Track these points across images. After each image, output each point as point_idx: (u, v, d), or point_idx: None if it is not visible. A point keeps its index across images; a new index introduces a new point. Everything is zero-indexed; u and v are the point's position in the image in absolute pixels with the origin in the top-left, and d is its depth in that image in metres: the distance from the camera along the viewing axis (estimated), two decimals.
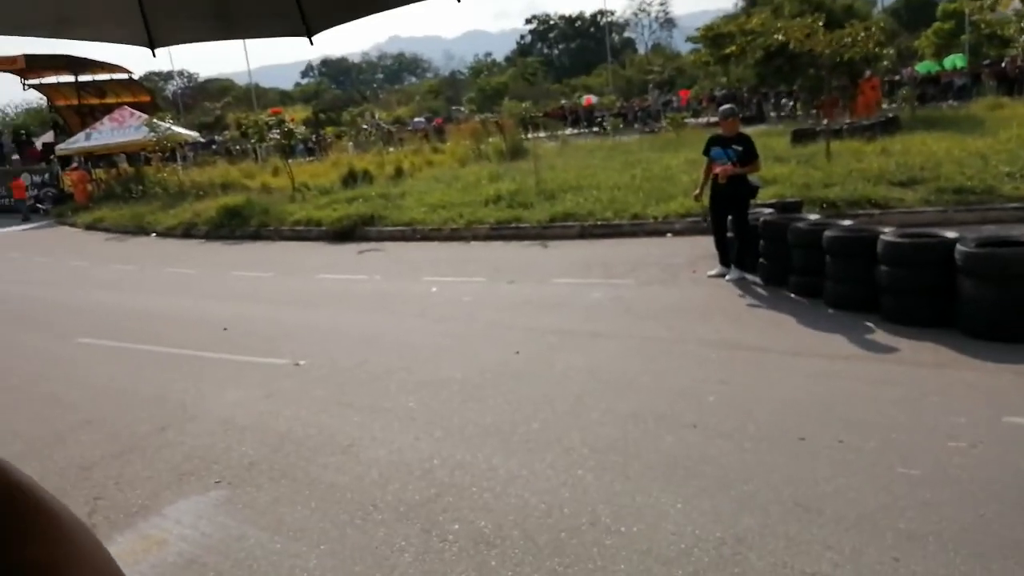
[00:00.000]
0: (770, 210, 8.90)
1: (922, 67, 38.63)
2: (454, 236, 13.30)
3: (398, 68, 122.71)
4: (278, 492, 4.43)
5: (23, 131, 36.91)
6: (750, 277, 8.31)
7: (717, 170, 8.32)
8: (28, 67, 29.09)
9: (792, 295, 7.58)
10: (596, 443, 4.63)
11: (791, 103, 31.20)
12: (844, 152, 14.49)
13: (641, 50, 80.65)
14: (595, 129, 35.06)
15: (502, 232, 12.96)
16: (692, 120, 31.22)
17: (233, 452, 5.06)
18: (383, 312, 8.61)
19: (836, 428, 4.52)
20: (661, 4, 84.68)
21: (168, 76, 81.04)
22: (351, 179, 19.93)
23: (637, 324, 7.15)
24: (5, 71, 30.05)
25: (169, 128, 27.00)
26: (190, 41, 2.05)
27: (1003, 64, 31.22)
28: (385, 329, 7.82)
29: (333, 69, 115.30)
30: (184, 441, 5.31)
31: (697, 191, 8.84)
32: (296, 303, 9.55)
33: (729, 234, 8.48)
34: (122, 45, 1.97)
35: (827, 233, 7.00)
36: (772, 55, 20.46)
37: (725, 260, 8.54)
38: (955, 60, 37.14)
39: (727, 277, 8.38)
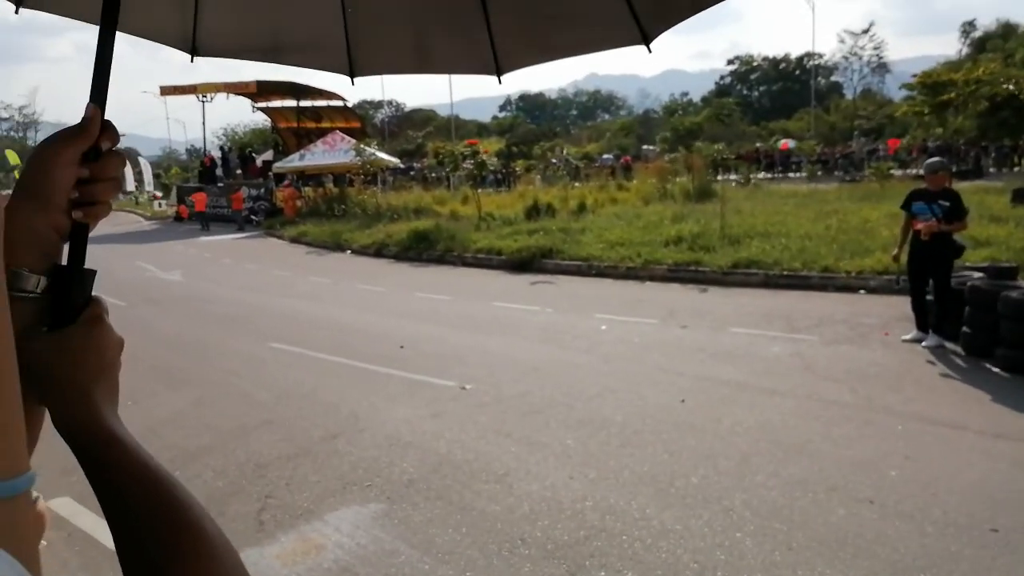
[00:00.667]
0: (980, 274, 8.07)
1: None
2: (630, 275, 13.18)
3: (593, 105, 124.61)
4: (432, 512, 4.53)
5: (248, 148, 40.95)
6: (949, 345, 7.57)
7: (920, 226, 7.76)
8: (259, 91, 32.39)
9: (997, 370, 6.80)
10: (759, 507, 4.35)
11: (1015, 157, 28.39)
12: None
13: (849, 95, 76.62)
14: (790, 175, 33.65)
15: (680, 274, 12.68)
16: (899, 171, 29.18)
17: (395, 468, 5.24)
18: (551, 345, 8.66)
19: None
20: (875, 48, 79.96)
21: (378, 105, 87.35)
22: (534, 211, 20.35)
23: (818, 384, 6.70)
24: (239, 94, 33.65)
25: (373, 153, 28.94)
26: (387, 73, 2.16)
27: None
28: (551, 362, 7.85)
29: (530, 104, 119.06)
30: (352, 451, 5.57)
31: (896, 250, 8.22)
32: (470, 327, 9.83)
33: (928, 297, 7.83)
34: (331, 73, 2.11)
35: None
36: (998, 106, 18.73)
37: (922, 324, 7.89)
38: None
39: (923, 343, 7.68)
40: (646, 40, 1.65)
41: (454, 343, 8.93)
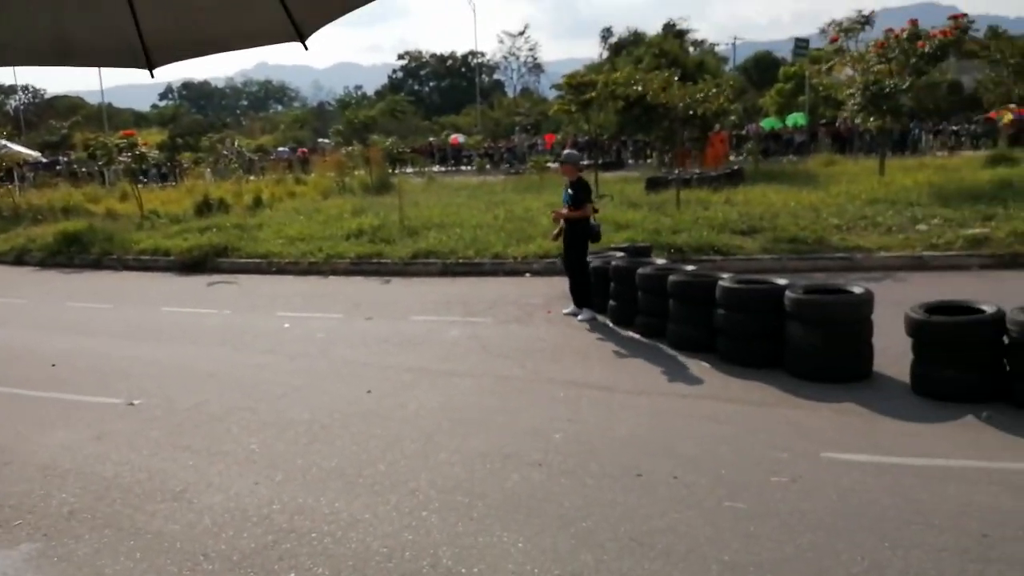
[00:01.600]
0: (621, 254, 9.26)
1: (766, 123, 41.78)
2: (312, 270, 13.01)
3: (264, 95, 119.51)
4: (100, 543, 4.11)
5: None
6: (600, 317, 8.59)
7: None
8: None
9: (638, 336, 7.89)
10: (443, 484, 4.60)
11: (648, 151, 32.90)
12: (693, 201, 15.34)
13: (510, 93, 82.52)
14: (462, 168, 35.50)
15: (363, 267, 12.80)
16: (555, 164, 32.21)
17: (52, 499, 4.66)
18: (230, 348, 8.26)
19: (672, 464, 4.71)
20: (530, 50, 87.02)
21: (10, 90, 75.38)
22: (206, 208, 19.14)
23: (493, 362, 7.21)
24: None
25: (5, 146, 25.06)
26: (21, 64, 1.97)
27: (837, 124, 34.23)
28: (231, 366, 7.50)
29: (194, 93, 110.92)
30: None
31: (556, 231, 9.09)
32: (135, 337, 8.99)
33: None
34: None
35: (671, 278, 7.36)
36: (631, 105, 21.50)
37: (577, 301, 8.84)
38: (796, 118, 40.39)
39: (579, 317, 8.63)
40: (302, 37, 1.68)
41: (117, 356, 8.12)
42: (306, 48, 1.75)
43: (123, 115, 73.74)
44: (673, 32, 61.12)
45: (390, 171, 27.89)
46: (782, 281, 6.87)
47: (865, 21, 21.28)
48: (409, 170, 34.55)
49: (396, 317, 9.34)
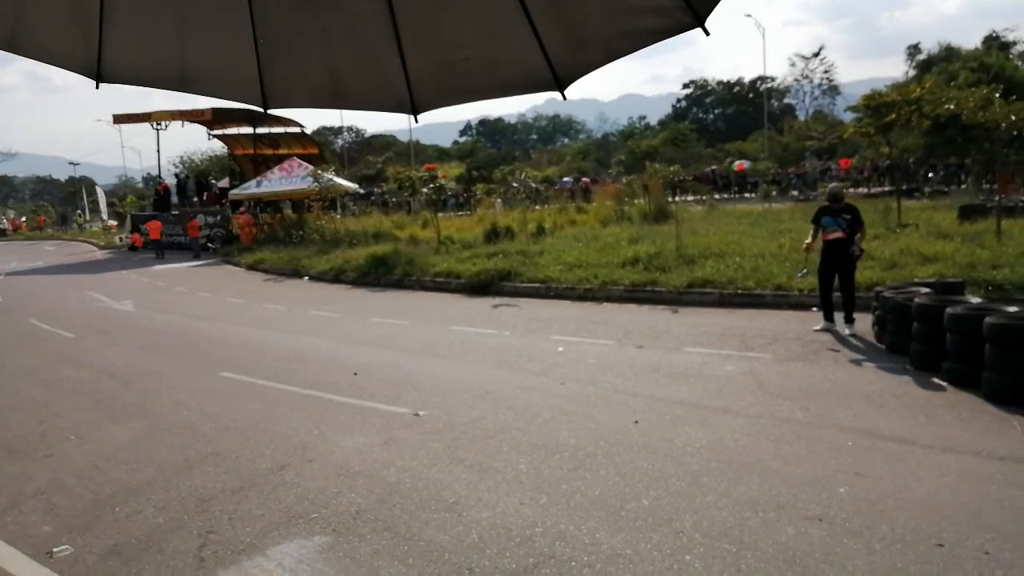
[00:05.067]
0: (927, 290, 8.22)
1: None
2: (587, 296, 13.20)
3: (552, 129, 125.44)
4: (379, 544, 4.41)
5: (205, 176, 40.50)
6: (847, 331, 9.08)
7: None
8: (214, 119, 32.06)
9: (944, 384, 6.90)
10: (709, 528, 4.32)
11: (962, 175, 29.24)
12: (1017, 231, 13.29)
13: (801, 117, 78.25)
14: (745, 195, 34.22)
15: (636, 295, 12.73)
16: (851, 190, 29.85)
17: (343, 498, 5.11)
18: (507, 368, 8.59)
19: (981, 537, 4.00)
20: (825, 72, 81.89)
21: (338, 131, 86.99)
22: (493, 235, 20.34)
23: (770, 403, 6.72)
24: (195, 122, 33.30)
25: (331, 179, 28.75)
26: (301, 106, 2.15)
27: None
28: (506, 386, 7.78)
29: (490, 128, 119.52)
30: (299, 482, 5.43)
31: (808, 242, 9.86)
32: (426, 353, 9.72)
33: (836, 293, 9.46)
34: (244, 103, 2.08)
35: (988, 320, 6.35)
36: (941, 125, 19.23)
37: (829, 316, 9.46)
38: None
39: (837, 330, 9.26)
40: (560, 87, 1.65)
41: (409, 369, 8.82)
42: (564, 98, 1.71)
43: (428, 151, 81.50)
44: (996, 44, 53.96)
45: (669, 199, 27.66)
46: None
47: None
48: (689, 198, 34.03)
49: (668, 348, 9.12)
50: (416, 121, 1.89)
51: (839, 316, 9.35)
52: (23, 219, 65.88)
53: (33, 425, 7.25)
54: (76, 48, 1.72)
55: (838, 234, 9.32)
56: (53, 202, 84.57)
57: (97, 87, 1.83)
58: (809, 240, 9.78)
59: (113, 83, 1.80)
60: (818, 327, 9.43)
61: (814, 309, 10.68)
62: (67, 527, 4.92)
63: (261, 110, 1.98)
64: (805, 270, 9.69)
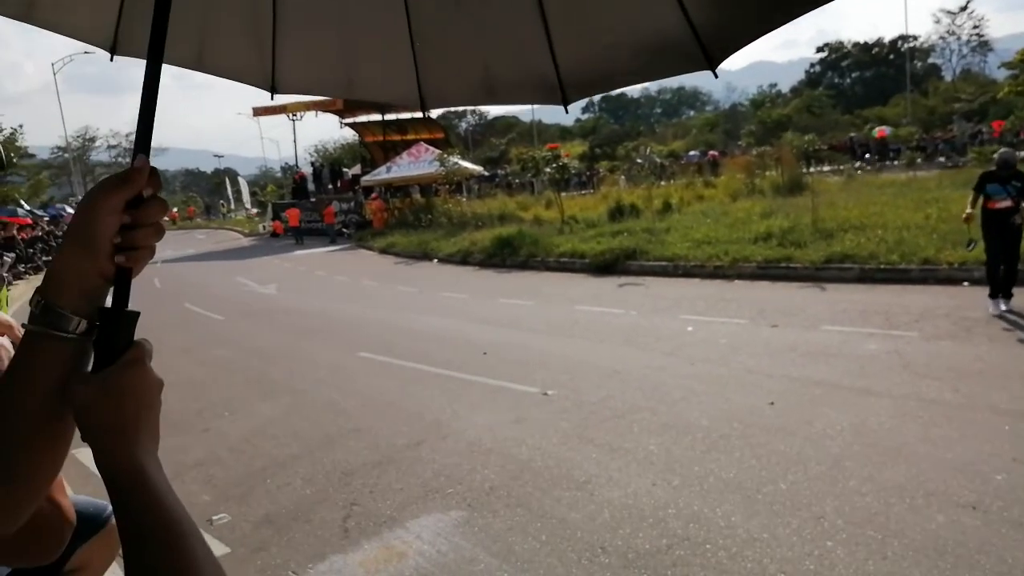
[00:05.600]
0: None
1: None
2: (717, 274, 12.87)
3: (677, 102, 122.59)
4: (512, 520, 4.51)
5: (338, 164, 42.22)
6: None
7: (997, 205, 8.73)
8: (345, 108, 33.34)
9: None
10: (852, 514, 4.15)
11: None
12: None
13: (948, 77, 72.80)
14: (888, 163, 32.25)
15: (769, 272, 12.30)
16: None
17: (477, 475, 5.25)
18: (634, 348, 8.52)
19: None
20: (975, 27, 75.66)
21: (462, 115, 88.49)
22: (618, 213, 20.17)
23: (917, 383, 6.35)
24: (327, 111, 34.74)
25: (456, 163, 29.33)
26: (455, 104, 2.22)
27: None
28: (634, 366, 7.72)
29: (612, 104, 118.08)
30: (435, 458, 5.62)
31: (969, 212, 9.03)
32: (553, 332, 9.79)
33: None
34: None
35: None
36: None
37: (995, 291, 8.65)
38: None
39: (1001, 308, 8.51)
40: (711, 64, 1.62)
41: (537, 348, 8.91)
42: (715, 76, 1.68)
43: (551, 130, 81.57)
44: None
45: (804, 170, 26.47)
46: None
47: None
48: (826, 168, 32.44)
49: (804, 326, 8.77)
50: (567, 111, 1.91)
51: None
52: (175, 209, 71.06)
53: (190, 402, 7.84)
54: (253, 63, 1.84)
55: (1007, 203, 8.69)
56: (201, 193, 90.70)
57: (272, 98, 1.96)
58: (969, 209, 9.06)
59: (287, 93, 1.93)
60: (994, 310, 8.52)
61: (965, 284, 10.00)
62: (224, 497, 5.31)
63: (419, 109, 2.06)
64: (974, 242, 9.08)
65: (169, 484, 0.81)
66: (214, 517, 4.93)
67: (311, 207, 34.01)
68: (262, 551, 4.41)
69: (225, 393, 8.16)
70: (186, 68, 1.74)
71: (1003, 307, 8.52)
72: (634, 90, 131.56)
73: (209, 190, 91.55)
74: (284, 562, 4.26)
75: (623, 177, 32.97)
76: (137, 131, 0.94)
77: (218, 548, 4.40)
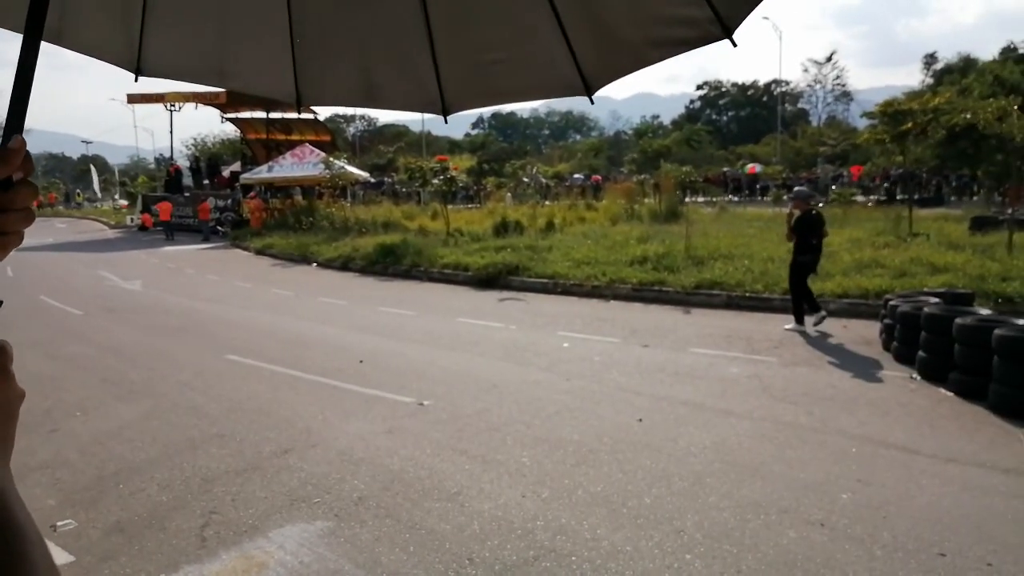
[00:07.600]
0: (936, 300, 8.22)
1: None
2: (594, 293, 13.22)
3: (565, 125, 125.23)
4: (380, 531, 4.45)
5: (217, 159, 40.62)
6: (915, 375, 7.75)
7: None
8: (228, 102, 32.14)
9: (951, 394, 6.90)
10: (711, 529, 4.34)
11: (975, 187, 29.11)
12: None
13: (815, 122, 78.08)
14: (757, 199, 34.14)
15: (644, 294, 12.75)
16: (861, 197, 29.75)
17: (346, 484, 5.15)
18: (512, 362, 8.62)
19: (984, 549, 4.00)
20: (837, 78, 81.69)
21: (350, 119, 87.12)
22: (503, 228, 20.37)
23: (774, 406, 6.73)
24: (209, 104, 33.38)
25: (343, 167, 28.81)
26: (334, 104, 2.19)
27: None
28: (511, 379, 7.81)
29: (502, 122, 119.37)
30: (303, 467, 5.47)
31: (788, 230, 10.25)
32: (432, 343, 9.75)
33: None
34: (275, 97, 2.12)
35: (997, 332, 6.34)
36: (956, 136, 19.17)
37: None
38: None
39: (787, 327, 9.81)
40: (589, 91, 1.67)
41: (415, 358, 8.85)
42: (592, 102, 1.75)
43: (440, 142, 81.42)
44: (1014, 57, 53.57)
45: (680, 200, 27.63)
46: None
47: None
48: (700, 199, 33.97)
49: (674, 347, 9.13)
50: (446, 122, 1.92)
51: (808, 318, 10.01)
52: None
53: (38, 400, 7.30)
54: (117, 41, 1.75)
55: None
56: (64, 179, 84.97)
57: (136, 80, 1.86)
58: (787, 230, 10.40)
59: (152, 76, 1.84)
60: (788, 327, 9.99)
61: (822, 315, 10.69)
62: (71, 501, 4.97)
63: (295, 105, 2.01)
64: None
65: (19, 495, 0.75)
66: (59, 523, 4.60)
67: (185, 202, 32.51)
68: (110, 560, 4.15)
69: (78, 392, 7.64)
70: (44, 41, 1.64)
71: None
72: (524, 110, 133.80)
73: (74, 177, 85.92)
74: (134, 572, 4.02)
75: (510, 194, 33.35)
76: (9, 109, 0.88)
77: (61, 556, 4.11)
